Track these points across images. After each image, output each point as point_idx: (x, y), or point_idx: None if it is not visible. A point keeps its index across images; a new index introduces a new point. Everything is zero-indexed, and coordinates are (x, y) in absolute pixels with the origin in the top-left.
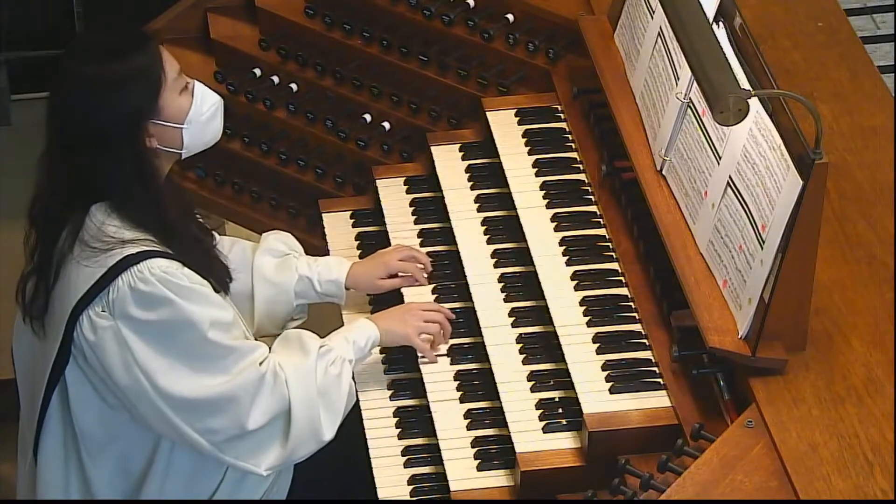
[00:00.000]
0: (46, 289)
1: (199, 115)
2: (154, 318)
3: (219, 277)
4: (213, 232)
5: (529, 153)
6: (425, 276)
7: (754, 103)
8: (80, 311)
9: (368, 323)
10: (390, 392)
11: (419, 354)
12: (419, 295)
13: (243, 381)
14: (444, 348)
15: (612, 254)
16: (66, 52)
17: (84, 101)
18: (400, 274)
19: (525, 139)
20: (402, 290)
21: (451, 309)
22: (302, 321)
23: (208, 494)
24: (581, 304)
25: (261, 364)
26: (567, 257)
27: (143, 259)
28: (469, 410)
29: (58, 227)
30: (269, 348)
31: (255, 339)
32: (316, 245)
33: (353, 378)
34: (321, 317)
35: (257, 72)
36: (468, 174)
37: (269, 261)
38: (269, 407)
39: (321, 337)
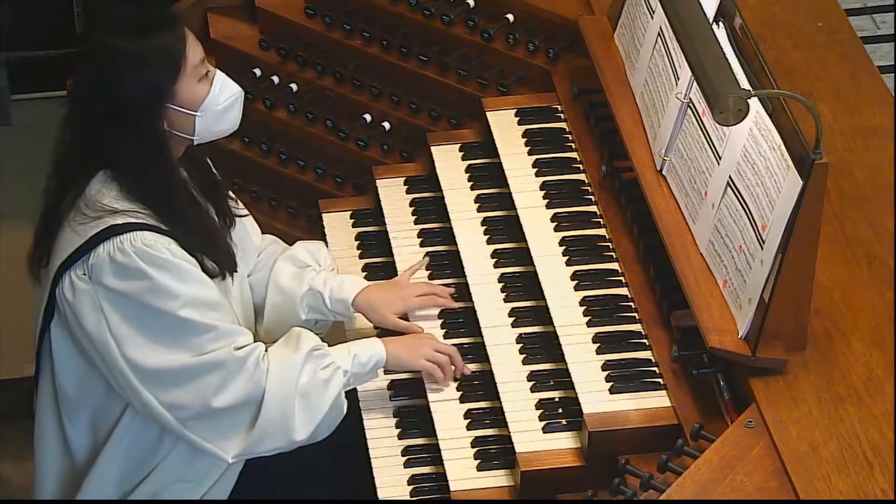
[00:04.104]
0: (47, 241)
1: (214, 104)
2: (128, 288)
3: (220, 263)
4: (243, 208)
5: (529, 153)
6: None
7: (754, 103)
8: (63, 271)
9: (377, 342)
10: (390, 392)
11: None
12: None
13: (213, 359)
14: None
15: (612, 254)
16: (95, 20)
17: (105, 71)
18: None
19: (525, 139)
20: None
21: (451, 309)
22: (320, 336)
23: (151, 468)
24: (581, 304)
25: (240, 348)
26: (567, 257)
27: (128, 230)
28: (469, 410)
29: (66, 186)
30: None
31: (263, 341)
32: None
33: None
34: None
35: (257, 72)
36: (468, 174)
37: (287, 268)
38: (240, 391)
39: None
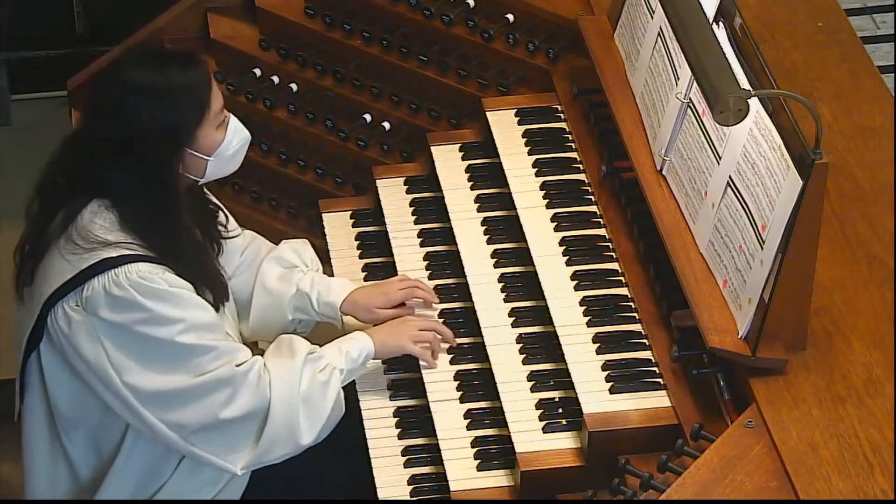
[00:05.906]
0: (33, 262)
1: (227, 149)
2: (124, 320)
3: (214, 294)
4: (236, 229)
5: (529, 153)
6: (434, 306)
7: (754, 103)
8: (55, 301)
9: (363, 335)
10: (390, 392)
11: (420, 362)
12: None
13: (217, 377)
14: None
15: (612, 254)
16: (124, 53)
17: (127, 102)
18: (407, 304)
19: (525, 139)
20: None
21: (451, 309)
22: (303, 336)
23: (164, 480)
24: (581, 304)
25: (240, 364)
26: (567, 257)
27: (122, 263)
28: (469, 410)
29: (56, 207)
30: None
31: (246, 344)
32: (316, 245)
33: (355, 386)
34: (321, 330)
35: (257, 72)
36: (468, 174)
37: (274, 269)
38: (246, 404)
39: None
